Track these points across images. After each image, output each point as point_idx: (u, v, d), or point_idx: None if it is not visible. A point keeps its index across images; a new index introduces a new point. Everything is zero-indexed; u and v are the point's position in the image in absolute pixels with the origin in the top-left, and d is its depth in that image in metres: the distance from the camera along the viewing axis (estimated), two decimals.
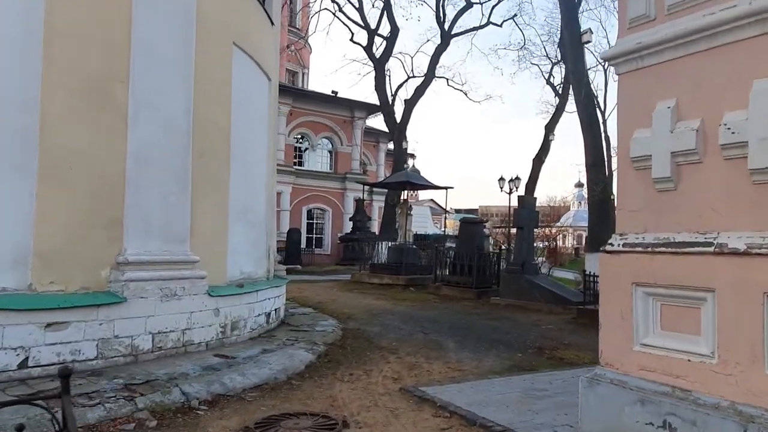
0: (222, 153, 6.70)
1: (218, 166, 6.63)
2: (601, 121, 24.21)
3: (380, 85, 24.58)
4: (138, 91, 5.53)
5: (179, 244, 5.84)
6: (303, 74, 44.05)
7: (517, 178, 25.15)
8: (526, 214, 12.38)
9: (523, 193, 22.51)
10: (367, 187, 30.82)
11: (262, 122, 8.11)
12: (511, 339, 8.38)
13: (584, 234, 56.78)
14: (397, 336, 8.29)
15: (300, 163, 29.09)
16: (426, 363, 6.57)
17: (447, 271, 14.39)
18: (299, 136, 28.78)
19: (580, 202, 69.93)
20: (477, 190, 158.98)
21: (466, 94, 25.71)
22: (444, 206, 25.93)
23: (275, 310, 8.03)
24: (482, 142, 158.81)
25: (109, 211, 5.36)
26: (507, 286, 12.41)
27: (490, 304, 12.45)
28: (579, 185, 68.97)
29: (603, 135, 15.21)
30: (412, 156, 45.13)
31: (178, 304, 5.71)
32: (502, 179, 25.82)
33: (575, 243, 59.98)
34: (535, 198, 12.44)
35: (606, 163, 13.06)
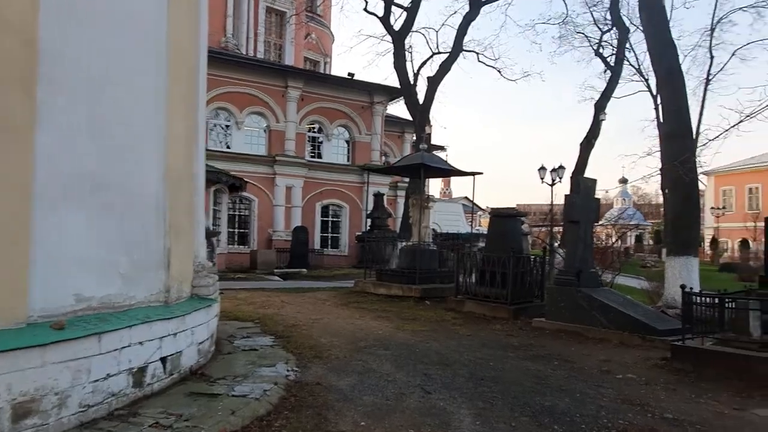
0: (11, 73, 3.50)
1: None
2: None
3: (400, 61, 21.25)
4: None
5: None
6: (325, 63, 41.15)
7: (561, 167, 21.39)
8: (583, 202, 8.81)
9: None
10: (389, 181, 27.61)
11: (149, 50, 4.88)
12: (571, 407, 4.91)
13: (629, 233, 52.15)
14: (379, 400, 4.95)
15: (314, 155, 26.00)
16: None
17: (473, 279, 10.92)
18: (313, 125, 25.69)
19: (624, 199, 65.23)
20: (515, 186, 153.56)
21: (499, 72, 21.75)
22: (474, 200, 22.35)
23: (170, 357, 4.80)
24: (521, 138, 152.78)
25: None
26: (556, 304, 8.88)
27: (532, 329, 8.93)
28: (623, 181, 64.26)
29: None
30: (443, 149, 41.62)
31: None
32: (543, 168, 22.09)
33: (621, 243, 55.25)
34: (595, 180, 8.84)
35: (693, 133, 9.42)
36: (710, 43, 28.99)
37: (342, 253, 25.97)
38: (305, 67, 34.65)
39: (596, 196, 9.10)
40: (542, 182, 22.12)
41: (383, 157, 27.91)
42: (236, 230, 23.66)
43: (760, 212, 40.63)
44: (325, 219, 26.07)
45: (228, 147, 23.57)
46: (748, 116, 7.81)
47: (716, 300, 6.46)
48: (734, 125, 7.85)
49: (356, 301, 11.77)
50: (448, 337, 8.15)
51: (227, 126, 23.69)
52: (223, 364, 5.70)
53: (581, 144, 19.54)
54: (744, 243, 40.06)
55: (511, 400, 5.07)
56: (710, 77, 33.66)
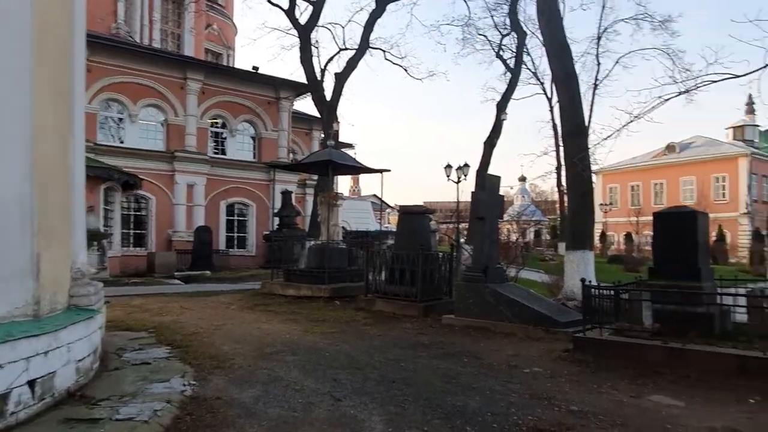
0: None
1: None
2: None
3: (306, 56, 20.76)
4: None
5: None
6: (228, 56, 39.55)
7: (466, 165, 21.98)
8: (489, 199, 8.97)
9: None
10: (297, 179, 26.96)
11: (7, 22, 4.20)
12: (482, 406, 4.86)
13: (529, 229, 55.26)
14: (285, 412, 4.61)
15: (218, 151, 24.80)
16: None
17: (384, 277, 10.81)
18: (215, 120, 24.48)
19: (523, 196, 68.70)
20: (424, 184, 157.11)
21: (406, 70, 21.95)
22: (383, 198, 22.42)
23: (40, 379, 4.17)
24: (429, 137, 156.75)
25: None
26: (464, 301, 8.97)
27: (442, 327, 8.96)
28: (522, 179, 67.82)
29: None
30: (351, 146, 41.47)
31: None
32: (449, 166, 22.60)
33: (523, 239, 58.19)
34: (500, 177, 9.02)
35: (588, 132, 9.92)
36: (597, 51, 31.22)
37: (249, 253, 25.04)
38: (206, 59, 33.02)
39: (500, 193, 9.30)
40: (448, 180, 22.63)
41: (291, 154, 27.24)
42: (132, 231, 22.02)
43: (641, 208, 44.55)
44: (230, 218, 24.99)
45: (121, 141, 21.86)
46: (636, 117, 8.40)
47: (612, 292, 6.77)
48: (625, 125, 8.42)
49: (263, 303, 11.26)
50: (359, 338, 7.95)
51: (120, 119, 21.96)
52: (108, 383, 5.08)
53: (485, 143, 20.21)
54: (628, 236, 43.65)
55: (423, 402, 4.94)
56: (598, 82, 36.23)
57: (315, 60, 21.67)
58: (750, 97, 55.48)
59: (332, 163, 11.60)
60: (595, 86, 35.92)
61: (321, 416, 4.54)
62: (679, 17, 22.60)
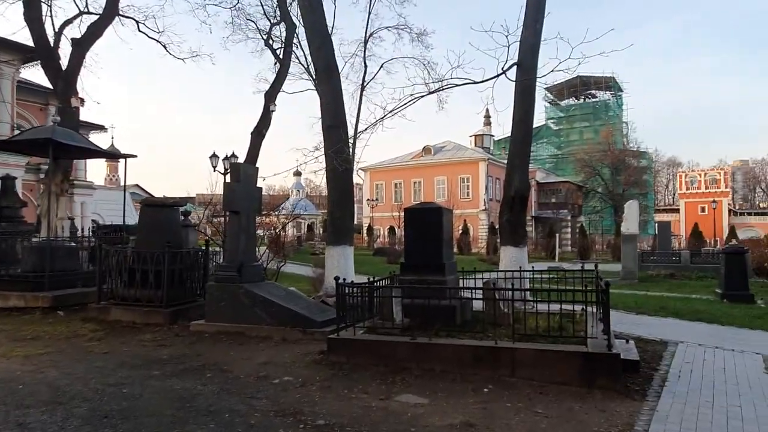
0: None
1: None
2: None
3: (34, 14, 17.00)
4: None
5: None
6: None
7: (234, 156, 20.73)
8: (245, 190, 8.17)
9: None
10: (26, 162, 22.24)
11: None
12: None
13: (305, 223, 56.03)
14: None
15: None
16: None
17: (122, 282, 9.18)
18: None
19: (298, 191, 69.36)
20: (196, 174, 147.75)
21: (165, 47, 19.58)
22: (148, 189, 19.62)
23: None
24: (203, 125, 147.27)
25: None
26: (216, 303, 8.04)
27: (191, 335, 7.89)
28: (297, 173, 68.33)
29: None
30: (103, 128, 36.27)
31: None
32: (215, 156, 21.09)
33: (296, 232, 58.70)
34: (257, 168, 8.30)
35: (351, 129, 9.83)
36: (364, 54, 32.80)
37: None
38: None
39: (259, 185, 8.60)
40: (215, 170, 21.13)
41: (16, 131, 22.39)
42: None
43: (403, 203, 48.56)
44: None
45: None
46: (390, 112, 8.64)
47: (365, 289, 6.62)
48: (380, 119, 8.60)
49: None
50: (77, 360, 6.44)
51: None
52: None
53: (252, 133, 19.26)
54: (392, 230, 47.17)
55: None
56: (365, 84, 37.94)
57: (48, 21, 17.94)
58: (487, 110, 65.32)
59: (54, 142, 9.40)
60: (363, 87, 37.92)
61: None
62: (433, 33, 24.75)
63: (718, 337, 8.40)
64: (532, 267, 9.24)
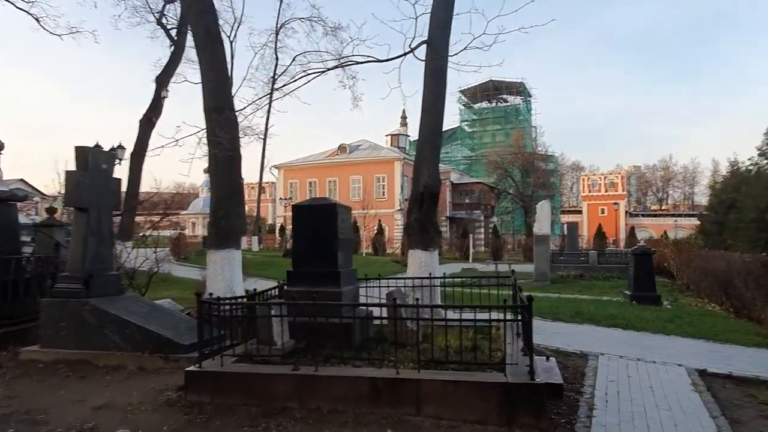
0: None
1: None
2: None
3: None
4: None
5: None
6: None
7: (121, 147, 18.36)
8: (95, 182, 6.53)
9: (120, 163, 16.07)
10: None
11: None
12: None
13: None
14: None
15: None
16: None
17: None
18: None
19: (209, 188, 65.69)
20: None
21: (38, 21, 16.92)
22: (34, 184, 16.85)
23: None
24: (101, 114, 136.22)
25: None
26: (55, 324, 6.35)
27: (18, 366, 6.16)
28: (206, 171, 64.65)
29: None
30: None
31: None
32: (97, 147, 18.57)
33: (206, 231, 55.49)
34: (113, 153, 6.68)
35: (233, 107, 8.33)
36: (276, 45, 31.04)
37: None
38: None
39: (115, 176, 6.95)
40: None
41: None
42: None
43: None
44: None
45: None
46: (279, 88, 7.59)
47: (237, 307, 5.28)
48: (266, 95, 7.53)
49: None
50: None
51: None
52: None
53: (141, 121, 17.12)
54: None
55: None
56: (276, 76, 36.10)
57: None
58: (404, 111, 65.29)
59: None
60: (274, 80, 35.97)
61: None
62: (348, 27, 23.65)
63: (637, 345, 7.86)
64: (444, 273, 8.29)
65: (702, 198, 72.06)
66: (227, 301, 5.22)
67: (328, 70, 7.80)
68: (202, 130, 7.11)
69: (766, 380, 6.12)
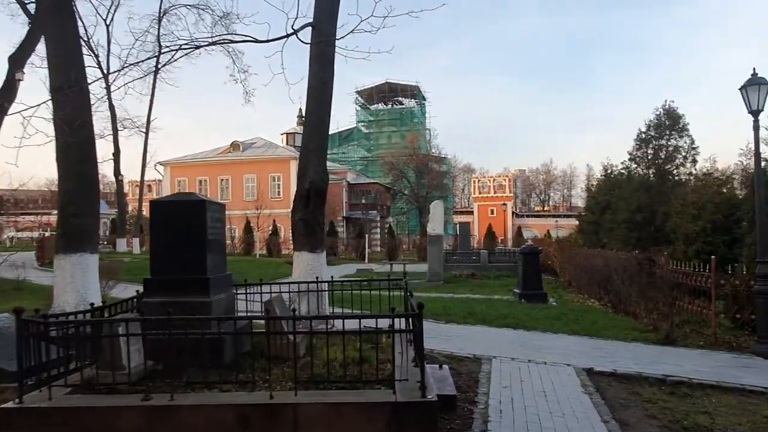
0: None
1: None
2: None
3: None
4: None
5: None
6: None
7: None
8: None
9: None
10: None
11: None
12: None
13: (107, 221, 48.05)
14: None
15: None
16: None
17: None
18: None
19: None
20: None
21: None
22: None
23: None
24: None
25: None
26: None
27: None
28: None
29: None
30: None
31: None
32: None
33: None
34: None
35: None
36: (158, 33, 28.64)
37: None
38: None
39: None
40: None
41: None
42: None
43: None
44: None
45: None
46: (130, 65, 6.54)
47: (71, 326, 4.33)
48: (118, 71, 6.50)
49: None
50: None
51: None
52: None
53: None
54: None
55: None
56: (159, 66, 33.44)
57: None
58: (300, 110, 63.95)
59: None
60: (157, 70, 33.31)
61: None
62: (238, 18, 22.37)
63: (528, 346, 7.83)
64: (332, 276, 7.72)
65: (579, 200, 78.14)
66: (59, 319, 4.24)
67: (202, 47, 6.96)
68: (33, 107, 5.82)
69: (648, 376, 6.24)
